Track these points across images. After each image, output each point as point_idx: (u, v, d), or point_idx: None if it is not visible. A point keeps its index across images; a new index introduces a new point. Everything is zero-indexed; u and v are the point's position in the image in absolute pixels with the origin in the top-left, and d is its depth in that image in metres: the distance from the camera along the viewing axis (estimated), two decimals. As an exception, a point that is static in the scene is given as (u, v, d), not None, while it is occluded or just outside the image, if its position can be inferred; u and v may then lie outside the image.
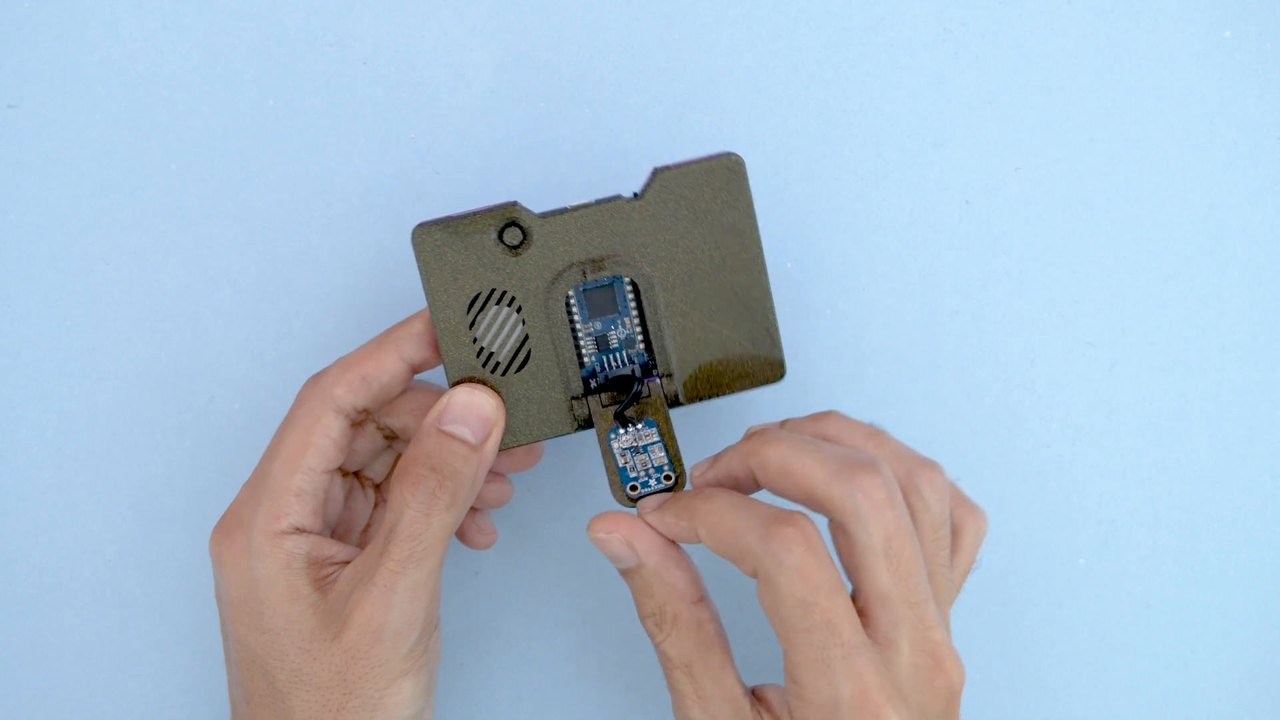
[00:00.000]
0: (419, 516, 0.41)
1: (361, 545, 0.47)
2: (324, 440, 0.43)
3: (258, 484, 0.43)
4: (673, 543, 0.42)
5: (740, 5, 0.50)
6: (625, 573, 0.42)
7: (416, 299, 0.50)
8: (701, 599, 0.42)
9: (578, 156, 0.50)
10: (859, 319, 0.51)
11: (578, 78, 0.50)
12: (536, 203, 0.48)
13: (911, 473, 0.41)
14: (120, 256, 0.50)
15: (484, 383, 0.43)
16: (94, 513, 0.50)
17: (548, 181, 0.50)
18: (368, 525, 0.47)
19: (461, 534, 0.48)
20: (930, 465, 0.42)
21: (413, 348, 0.43)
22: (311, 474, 0.42)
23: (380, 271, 0.50)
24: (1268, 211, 0.51)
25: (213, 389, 0.50)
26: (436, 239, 0.42)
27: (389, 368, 0.43)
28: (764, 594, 0.39)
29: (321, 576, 0.42)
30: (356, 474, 0.47)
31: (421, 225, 0.42)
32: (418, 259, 0.42)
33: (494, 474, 0.48)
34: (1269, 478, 0.52)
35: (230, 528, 0.43)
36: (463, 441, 0.41)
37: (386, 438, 0.46)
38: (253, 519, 0.42)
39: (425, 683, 0.42)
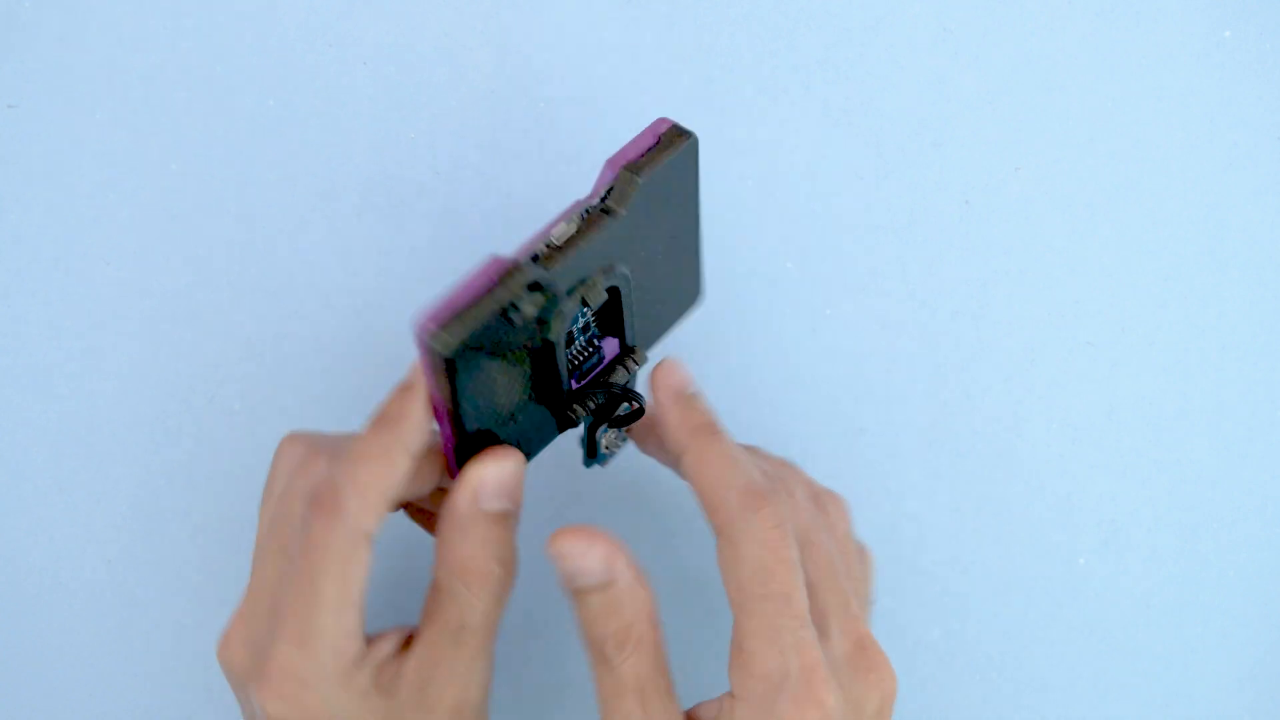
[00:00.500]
0: (491, 608, 0.40)
1: None
2: (361, 571, 0.39)
3: (307, 634, 0.39)
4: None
5: (740, 5, 0.50)
6: (585, 590, 0.40)
7: (414, 300, 0.50)
8: (658, 621, 0.40)
9: (578, 156, 0.50)
10: (859, 319, 0.51)
11: (578, 78, 0.50)
12: (535, 207, 0.48)
13: (818, 495, 0.43)
14: (120, 256, 0.50)
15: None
16: (94, 513, 0.50)
17: (547, 181, 0.50)
18: None
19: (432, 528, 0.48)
20: (835, 494, 0.44)
21: (419, 439, 0.40)
22: (357, 606, 0.39)
23: (380, 271, 0.50)
24: (1268, 211, 0.51)
25: (213, 389, 0.50)
26: (471, 347, 0.36)
27: (404, 472, 0.40)
28: (726, 555, 0.39)
29: (383, 681, 0.40)
30: None
31: (445, 332, 0.36)
32: (453, 379, 0.37)
33: None
34: (1269, 478, 0.52)
35: (288, 692, 0.39)
36: (505, 514, 0.40)
37: None
38: (319, 677, 0.39)
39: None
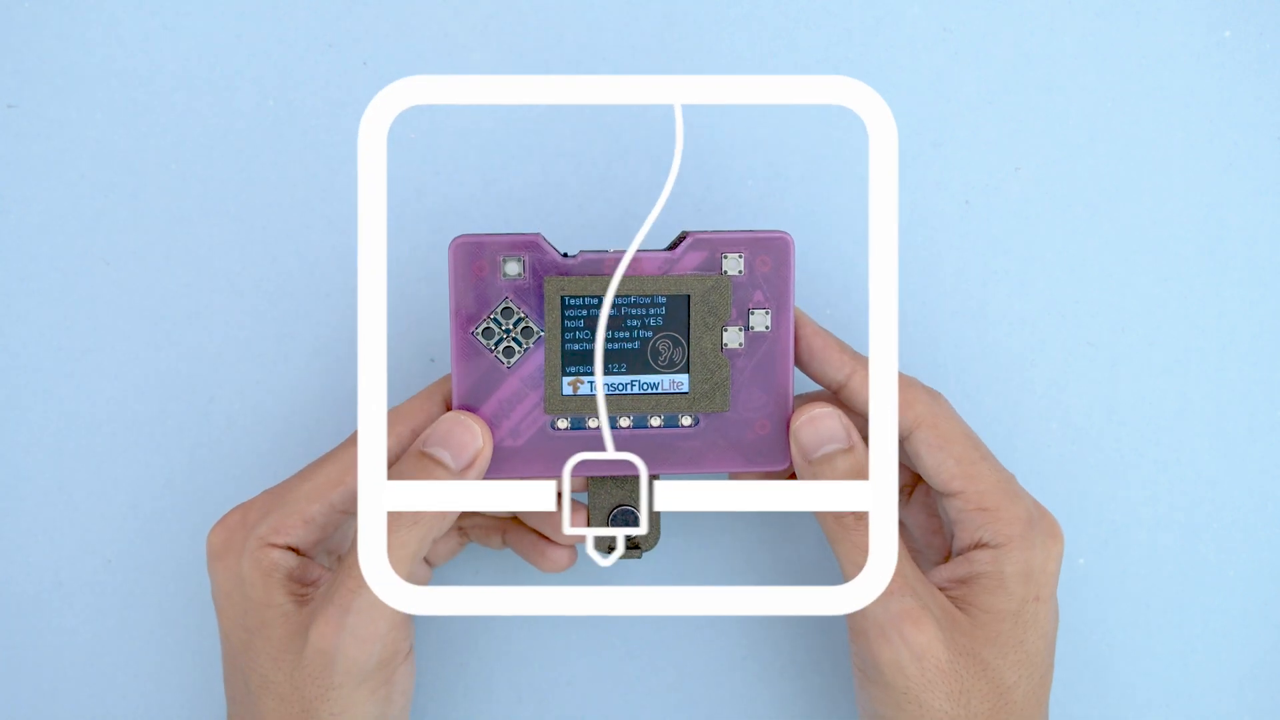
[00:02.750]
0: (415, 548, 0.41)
1: None
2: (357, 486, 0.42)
3: (277, 497, 0.43)
4: None
5: (740, 5, 0.50)
6: (830, 456, 0.42)
7: (416, 298, 0.50)
8: None
9: (577, 157, 0.50)
10: (859, 319, 0.51)
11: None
12: (534, 207, 0.48)
13: None
14: (120, 256, 0.50)
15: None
16: (94, 513, 0.50)
17: (547, 181, 0.50)
18: None
19: (534, 559, 0.47)
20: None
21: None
22: (330, 510, 0.43)
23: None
24: (1268, 211, 0.51)
25: (213, 389, 0.50)
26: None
27: (434, 418, 0.43)
28: (931, 438, 0.43)
29: (300, 593, 0.42)
30: None
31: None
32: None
33: (559, 545, 0.47)
34: (1269, 478, 0.52)
35: (232, 525, 0.43)
36: (443, 466, 0.41)
37: None
38: (255, 525, 0.43)
39: (381, 713, 0.41)
